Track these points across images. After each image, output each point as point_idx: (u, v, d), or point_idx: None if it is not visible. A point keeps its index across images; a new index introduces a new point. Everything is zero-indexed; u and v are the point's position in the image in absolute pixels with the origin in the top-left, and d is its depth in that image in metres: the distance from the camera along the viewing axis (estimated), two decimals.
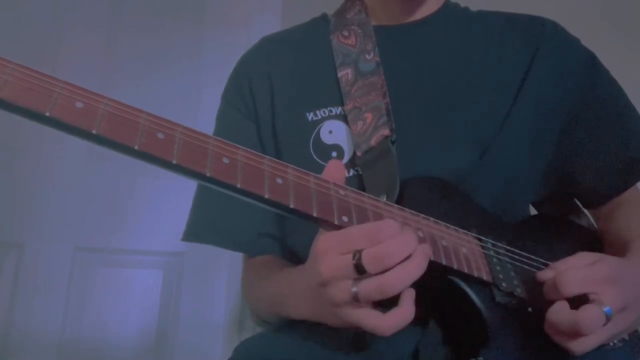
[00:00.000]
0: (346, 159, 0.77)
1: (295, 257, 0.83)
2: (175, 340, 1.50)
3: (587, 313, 0.57)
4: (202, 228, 0.84)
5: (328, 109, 0.79)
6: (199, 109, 1.57)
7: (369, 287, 0.52)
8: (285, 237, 0.83)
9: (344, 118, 0.78)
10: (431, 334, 0.65)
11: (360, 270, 0.52)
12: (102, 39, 1.67)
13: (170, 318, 1.52)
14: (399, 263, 0.52)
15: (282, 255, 0.84)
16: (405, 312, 0.54)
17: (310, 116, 0.79)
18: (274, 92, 0.84)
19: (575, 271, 0.61)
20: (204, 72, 1.64)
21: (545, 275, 0.63)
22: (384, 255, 0.52)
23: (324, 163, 0.76)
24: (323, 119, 0.79)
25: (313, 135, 0.78)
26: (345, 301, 0.54)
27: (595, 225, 0.87)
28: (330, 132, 0.78)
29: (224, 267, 1.53)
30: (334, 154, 0.77)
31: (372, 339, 0.67)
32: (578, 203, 0.88)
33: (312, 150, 0.78)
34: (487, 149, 0.76)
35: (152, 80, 1.61)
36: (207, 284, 1.53)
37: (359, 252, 0.52)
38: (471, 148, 0.76)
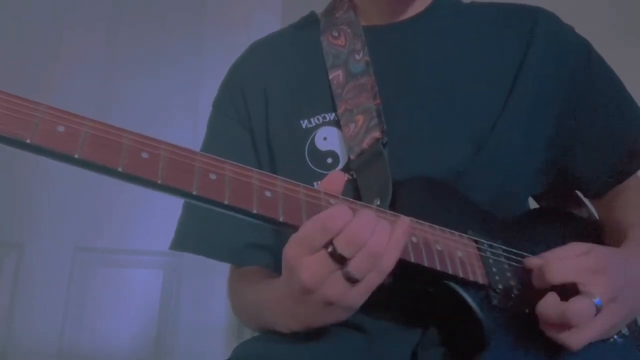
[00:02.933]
0: (341, 164, 0.76)
1: None
2: (174, 340, 1.51)
3: (575, 304, 0.57)
4: (190, 237, 0.83)
5: (322, 115, 0.79)
6: (199, 108, 1.56)
7: (360, 261, 0.52)
8: (281, 245, 0.82)
9: (337, 124, 0.77)
10: (430, 337, 0.65)
11: (338, 259, 0.52)
12: (102, 39, 1.67)
13: (170, 318, 1.52)
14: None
15: (274, 265, 0.82)
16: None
17: (304, 124, 0.79)
18: (268, 98, 0.83)
19: (563, 260, 0.61)
20: (204, 72, 1.63)
21: (532, 262, 0.63)
22: (354, 234, 0.52)
23: (319, 170, 0.76)
24: (317, 126, 0.78)
25: (308, 143, 0.78)
26: (343, 291, 0.54)
27: (596, 216, 0.86)
28: (325, 138, 0.77)
29: (224, 267, 1.52)
30: (330, 160, 0.76)
31: (371, 340, 0.67)
32: (579, 194, 0.87)
33: (307, 158, 0.77)
34: (483, 144, 0.75)
35: (151, 80, 1.61)
36: (207, 284, 1.53)
37: (330, 243, 0.52)
38: (466, 145, 0.75)
